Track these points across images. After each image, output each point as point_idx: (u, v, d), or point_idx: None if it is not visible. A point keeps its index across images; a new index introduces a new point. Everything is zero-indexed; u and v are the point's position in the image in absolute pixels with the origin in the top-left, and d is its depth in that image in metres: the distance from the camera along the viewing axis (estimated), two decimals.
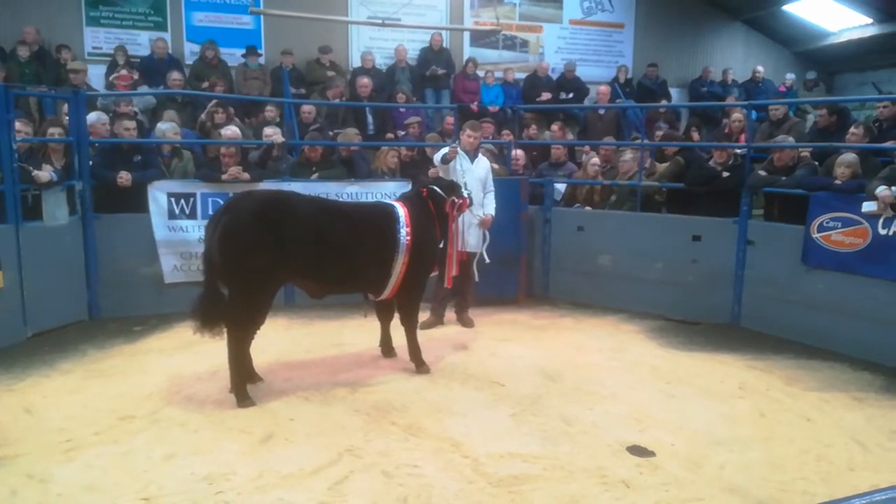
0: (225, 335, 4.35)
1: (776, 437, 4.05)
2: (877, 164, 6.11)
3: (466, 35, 11.56)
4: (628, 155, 7.56)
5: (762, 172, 6.46)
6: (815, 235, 5.79)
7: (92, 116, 6.59)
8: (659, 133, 9.16)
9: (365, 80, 9.47)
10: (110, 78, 8.91)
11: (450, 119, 8.74)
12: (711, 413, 4.37)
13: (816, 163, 6.44)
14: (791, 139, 6.93)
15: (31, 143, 6.08)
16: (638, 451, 3.81)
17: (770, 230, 6.32)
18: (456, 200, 5.20)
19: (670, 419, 4.26)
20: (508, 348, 5.67)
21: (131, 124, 6.72)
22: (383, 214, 4.87)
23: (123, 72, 8.85)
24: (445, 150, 5.99)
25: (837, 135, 7.25)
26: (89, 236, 6.21)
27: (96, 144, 6.48)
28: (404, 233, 4.78)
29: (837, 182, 5.75)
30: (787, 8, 11.91)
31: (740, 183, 6.45)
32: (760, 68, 11.95)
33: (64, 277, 5.98)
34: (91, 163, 6.31)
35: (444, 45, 10.98)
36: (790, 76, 11.93)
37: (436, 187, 5.26)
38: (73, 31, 9.73)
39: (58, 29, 9.55)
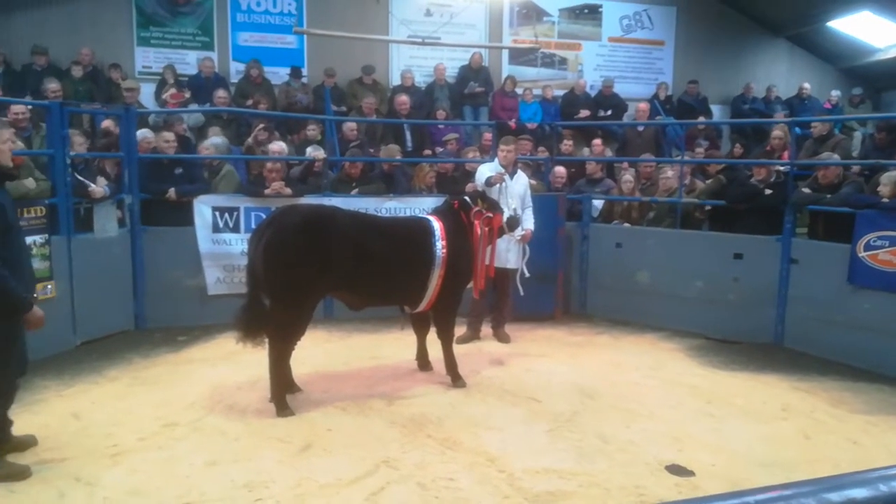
0: (266, 346, 4.45)
1: (821, 460, 3.94)
2: None
3: (505, 53, 11.63)
4: (669, 172, 7.51)
5: (806, 190, 6.35)
6: (862, 254, 5.65)
7: (138, 134, 6.81)
8: (699, 150, 9.06)
9: (403, 98, 9.59)
10: (163, 96, 9.20)
11: (488, 135, 8.79)
12: (753, 434, 4.28)
13: (862, 179, 6.30)
14: (836, 156, 6.81)
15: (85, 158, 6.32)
16: (677, 470, 3.76)
17: (814, 248, 6.20)
18: (484, 212, 5.18)
19: (710, 439, 4.18)
20: (545, 364, 5.65)
21: (170, 136, 6.92)
22: (420, 228, 4.93)
23: (173, 90, 9.12)
24: (487, 169, 6.03)
25: (889, 152, 7.09)
26: (137, 249, 6.41)
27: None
28: (440, 246, 4.83)
29: (885, 200, 5.62)
30: (832, 24, 11.71)
31: (783, 200, 6.34)
32: (807, 85, 11.76)
33: (112, 288, 6.17)
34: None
35: (484, 63, 11.07)
36: (835, 93, 11.69)
37: (466, 198, 5.29)
38: (125, 50, 10.08)
39: (110, 49, 9.90)
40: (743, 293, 6.51)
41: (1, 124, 3.59)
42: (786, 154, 7.63)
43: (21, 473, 3.49)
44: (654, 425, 4.39)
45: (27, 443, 3.82)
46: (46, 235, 5.41)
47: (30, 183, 5.40)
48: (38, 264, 5.06)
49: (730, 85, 12.30)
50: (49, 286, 5.41)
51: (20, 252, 3.53)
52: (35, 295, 3.70)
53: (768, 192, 6.48)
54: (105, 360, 5.45)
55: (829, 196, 6.14)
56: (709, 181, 7.34)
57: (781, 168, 6.76)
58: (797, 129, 7.54)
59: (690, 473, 3.72)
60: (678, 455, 3.93)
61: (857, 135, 9.82)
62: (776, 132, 8.15)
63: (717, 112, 12.01)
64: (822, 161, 6.69)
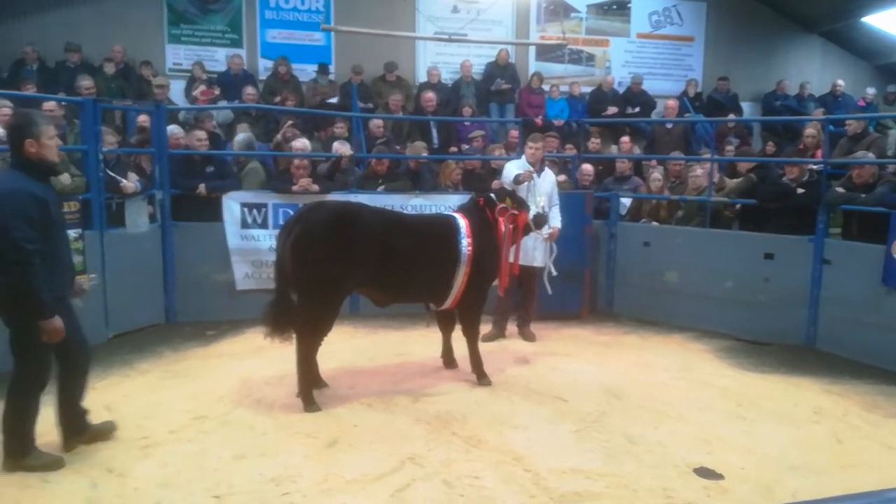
0: (294, 341, 4.48)
1: (854, 465, 3.87)
2: None
3: (532, 49, 11.56)
4: (699, 170, 7.41)
5: (840, 189, 6.23)
6: None
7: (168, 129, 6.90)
8: (729, 148, 8.94)
9: (430, 95, 9.59)
10: (193, 93, 9.31)
11: (514, 133, 8.76)
12: (784, 437, 4.21)
13: None
14: (871, 155, 6.66)
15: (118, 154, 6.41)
16: (705, 473, 3.71)
17: (848, 249, 6.07)
18: (508, 209, 5.14)
19: (740, 442, 4.12)
20: (571, 363, 5.61)
21: (203, 134, 7.01)
22: (445, 226, 4.94)
23: (203, 87, 9.22)
24: (515, 166, 6.00)
25: None
26: (167, 244, 6.50)
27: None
28: (465, 243, 4.82)
29: None
30: (866, 20, 11.46)
31: (816, 200, 6.22)
32: (841, 82, 11.52)
33: (143, 282, 6.27)
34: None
35: (510, 59, 11.02)
36: (870, 90, 11.44)
37: (492, 195, 5.27)
38: (156, 48, 10.23)
39: (141, 46, 10.05)
40: (774, 294, 6.40)
41: (46, 120, 3.57)
42: (819, 152, 7.49)
43: (55, 464, 3.56)
44: (683, 427, 4.34)
45: (108, 430, 3.91)
46: (80, 230, 5.50)
47: (65, 179, 5.49)
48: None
49: (761, 82, 12.10)
50: (82, 280, 5.50)
51: (59, 247, 3.56)
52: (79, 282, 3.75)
53: (801, 191, 6.37)
54: (136, 354, 5.55)
55: (863, 196, 6.02)
56: (739, 179, 7.24)
57: (815, 167, 6.64)
58: (831, 127, 7.38)
59: (719, 476, 3.67)
60: (707, 457, 3.88)
61: (893, 133, 9.59)
62: (809, 130, 8.01)
63: (748, 109, 11.82)
64: (856, 160, 6.55)
